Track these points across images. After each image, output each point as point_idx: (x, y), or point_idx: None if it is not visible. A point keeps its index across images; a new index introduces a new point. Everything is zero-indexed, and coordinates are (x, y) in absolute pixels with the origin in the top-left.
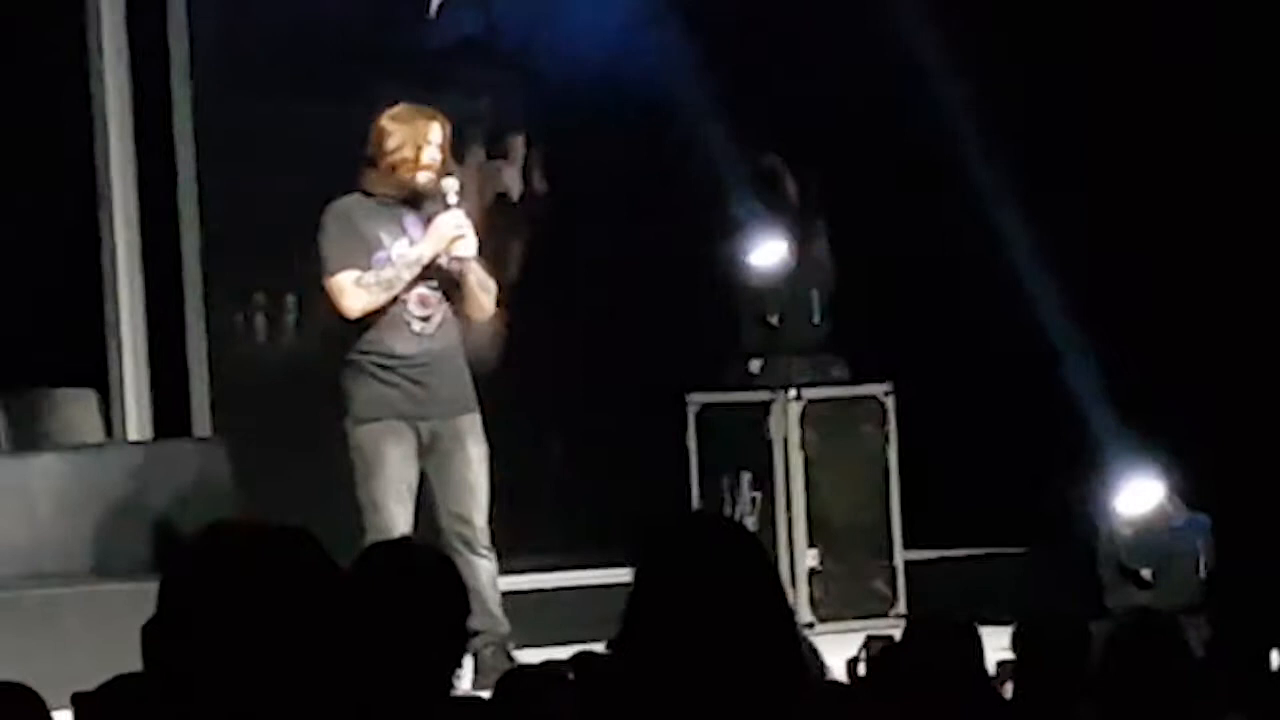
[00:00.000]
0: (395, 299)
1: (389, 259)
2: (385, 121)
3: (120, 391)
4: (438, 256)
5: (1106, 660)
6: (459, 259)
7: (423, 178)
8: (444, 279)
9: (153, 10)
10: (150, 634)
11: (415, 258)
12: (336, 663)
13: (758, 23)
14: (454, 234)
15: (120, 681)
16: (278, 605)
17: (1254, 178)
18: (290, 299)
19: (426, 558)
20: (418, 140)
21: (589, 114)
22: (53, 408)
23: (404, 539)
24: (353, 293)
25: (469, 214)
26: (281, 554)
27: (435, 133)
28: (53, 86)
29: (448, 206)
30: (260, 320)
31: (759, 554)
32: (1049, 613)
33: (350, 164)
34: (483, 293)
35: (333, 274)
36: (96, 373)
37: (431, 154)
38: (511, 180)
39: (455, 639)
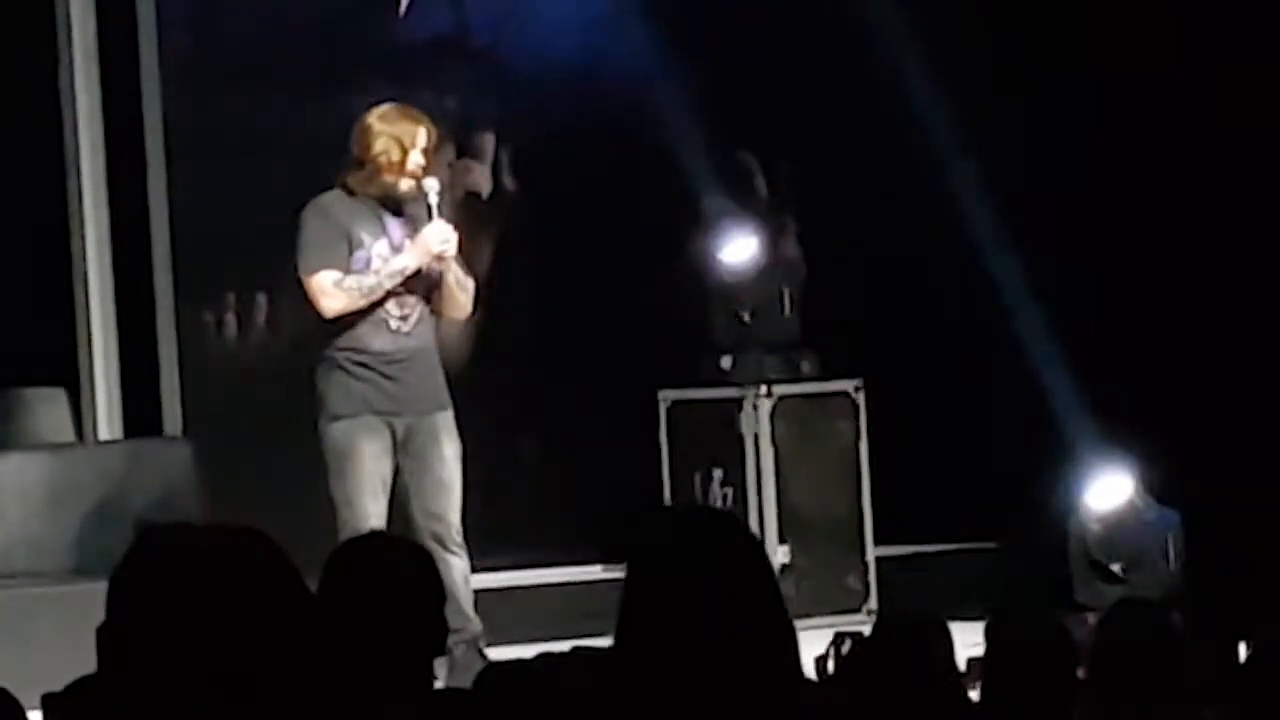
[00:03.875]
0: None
1: (369, 261)
2: (372, 121)
3: (90, 391)
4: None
5: (1098, 647)
6: (439, 257)
7: (404, 185)
8: (423, 278)
9: (122, 7)
10: (102, 636)
11: (399, 268)
12: (297, 660)
13: (728, 19)
14: (439, 249)
15: (88, 681)
16: (227, 603)
17: (1224, 175)
18: (261, 298)
19: (401, 550)
20: (404, 144)
21: (560, 111)
22: (22, 407)
23: (378, 533)
24: (333, 294)
25: (449, 215)
26: (228, 553)
27: (421, 137)
28: (21, 84)
29: (429, 207)
30: (231, 319)
31: (755, 546)
32: (1021, 608)
33: (321, 162)
34: (461, 292)
35: (313, 272)
36: (66, 372)
37: (416, 159)
38: (482, 178)
39: (433, 630)
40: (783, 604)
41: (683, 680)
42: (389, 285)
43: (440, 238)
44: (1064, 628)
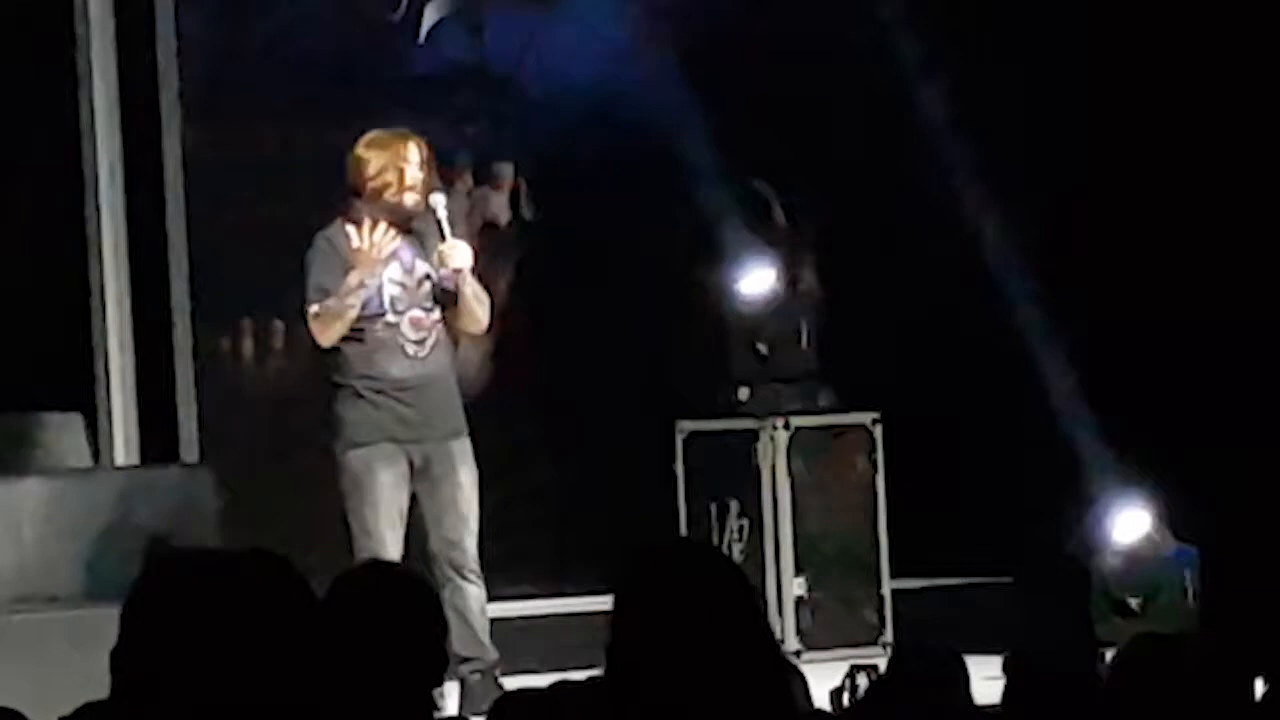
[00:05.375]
0: (388, 323)
1: (382, 287)
2: (361, 150)
3: (107, 416)
4: (429, 276)
5: (1115, 682)
6: (456, 270)
7: (410, 199)
8: (439, 294)
9: (142, 35)
10: (115, 660)
11: (356, 283)
12: (308, 683)
13: (747, 50)
14: (459, 264)
15: (99, 706)
16: (243, 628)
17: (1253, 210)
18: (278, 324)
19: (400, 579)
20: (397, 162)
21: (578, 140)
22: (39, 432)
23: (380, 561)
24: (314, 326)
25: (457, 225)
26: (246, 576)
27: (413, 152)
28: (41, 111)
29: (439, 223)
30: (248, 345)
31: (739, 580)
32: (1042, 639)
33: (339, 190)
34: (478, 305)
35: (306, 305)
36: (83, 397)
37: (413, 173)
38: (500, 208)
39: (433, 659)
40: (771, 636)
41: (670, 714)
42: (354, 302)
43: (460, 254)
44: (1083, 662)
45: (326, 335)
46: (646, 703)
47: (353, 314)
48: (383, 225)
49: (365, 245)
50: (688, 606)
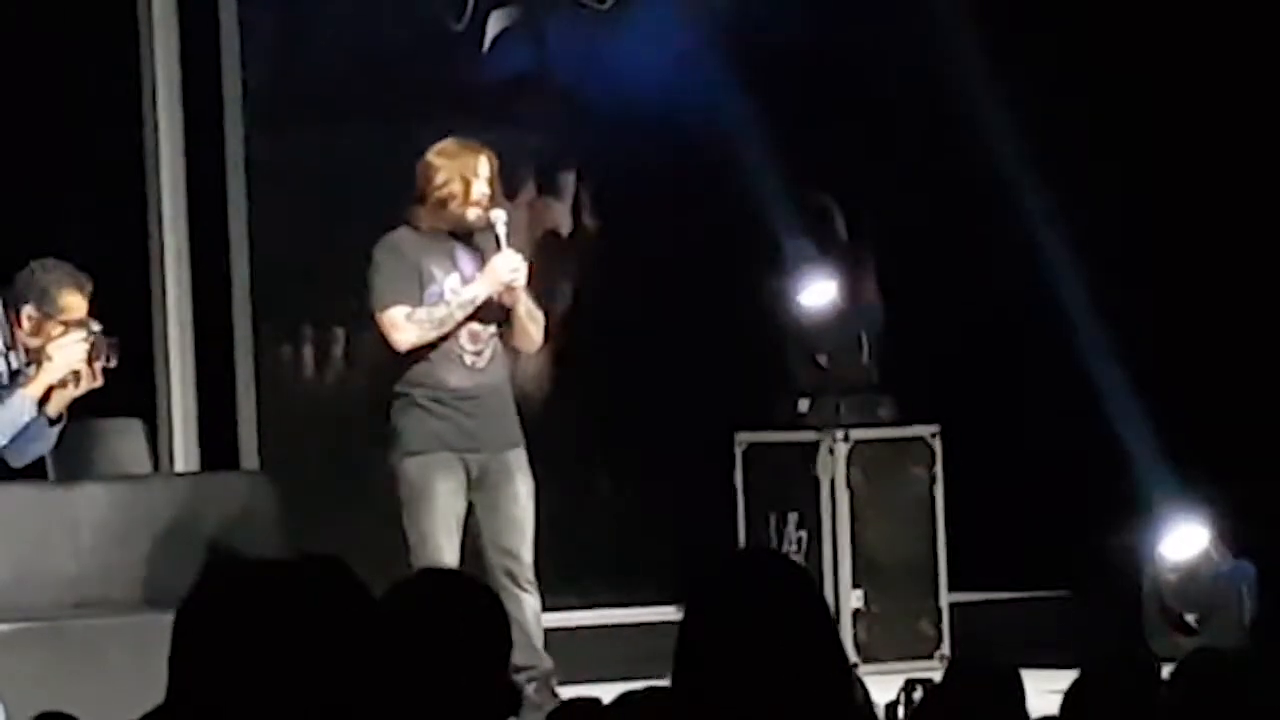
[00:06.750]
0: (446, 334)
1: (442, 295)
2: (433, 157)
3: (168, 423)
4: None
5: (1173, 698)
6: (510, 288)
7: (472, 213)
8: (494, 312)
9: (206, 41)
10: (172, 667)
11: (470, 298)
12: (370, 689)
13: (810, 60)
14: (509, 278)
15: (157, 714)
16: (301, 634)
17: None
18: (339, 332)
19: (461, 584)
20: (466, 175)
21: (641, 150)
22: (100, 438)
23: (448, 569)
24: (405, 327)
25: (518, 245)
26: (305, 582)
27: (484, 167)
28: (105, 117)
29: (497, 238)
30: (309, 353)
31: (812, 589)
32: (1116, 653)
33: (401, 197)
34: (532, 324)
35: (385, 308)
36: (144, 404)
37: (480, 188)
38: (562, 216)
39: (499, 672)
40: (839, 645)
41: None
42: (460, 316)
43: (510, 266)
44: (1140, 677)
45: (413, 340)
46: (711, 710)
47: (452, 325)
48: (511, 253)
49: (502, 266)
50: (758, 614)
